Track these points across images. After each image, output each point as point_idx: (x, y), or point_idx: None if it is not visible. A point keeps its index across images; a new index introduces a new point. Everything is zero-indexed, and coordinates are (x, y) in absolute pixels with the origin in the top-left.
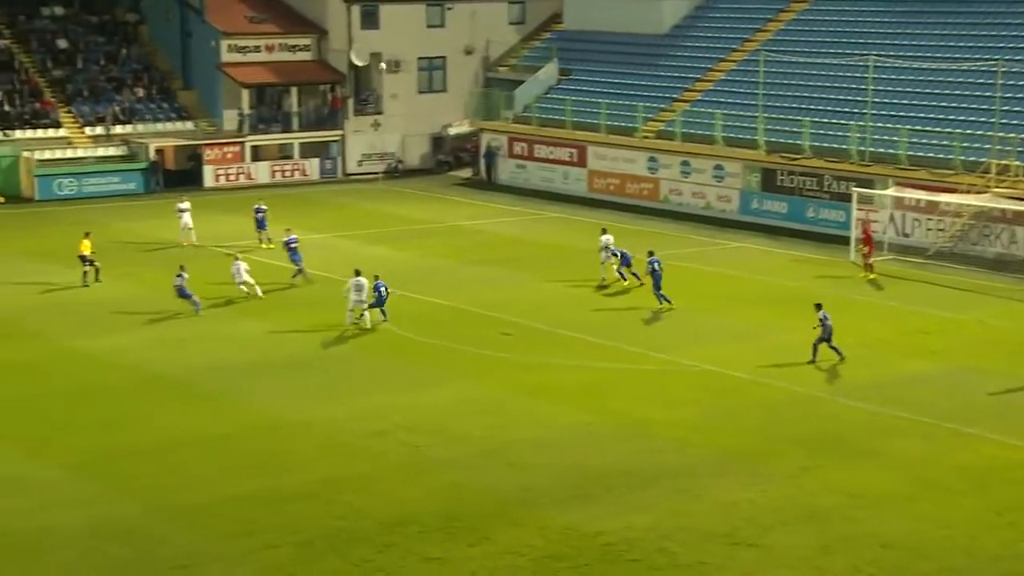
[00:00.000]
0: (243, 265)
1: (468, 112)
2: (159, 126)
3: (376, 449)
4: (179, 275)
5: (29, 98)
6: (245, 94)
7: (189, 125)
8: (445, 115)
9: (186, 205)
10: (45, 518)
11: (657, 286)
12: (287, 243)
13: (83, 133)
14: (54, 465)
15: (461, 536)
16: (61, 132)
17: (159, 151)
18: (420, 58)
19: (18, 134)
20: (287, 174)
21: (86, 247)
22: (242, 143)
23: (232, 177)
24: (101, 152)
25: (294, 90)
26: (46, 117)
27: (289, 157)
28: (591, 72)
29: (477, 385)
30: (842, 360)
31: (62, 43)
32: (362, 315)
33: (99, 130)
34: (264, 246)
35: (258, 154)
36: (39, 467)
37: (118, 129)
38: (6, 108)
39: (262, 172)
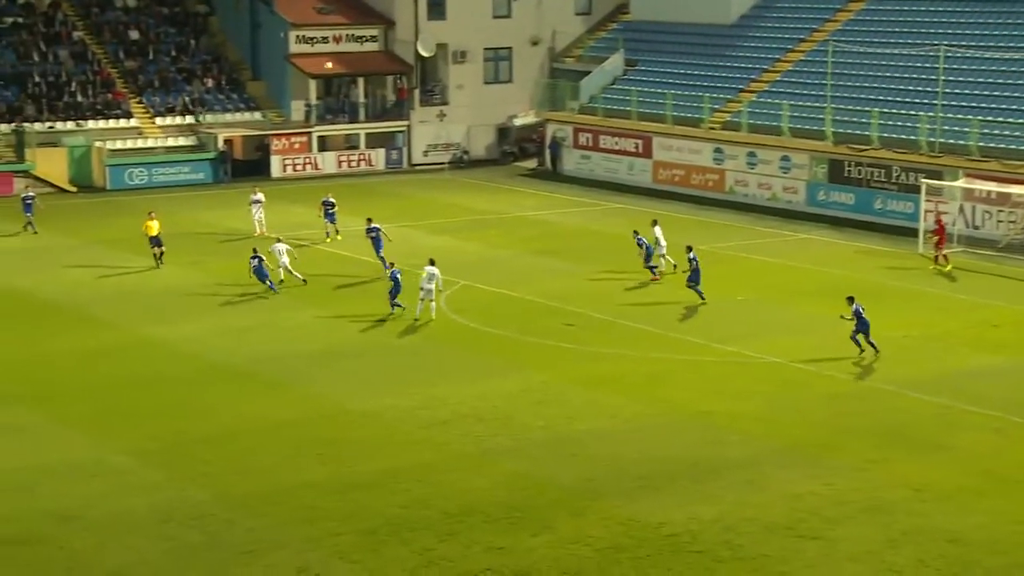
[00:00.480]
0: (283, 247)
1: (533, 103)
2: (228, 116)
3: (439, 439)
4: (254, 257)
5: (102, 89)
6: (312, 85)
7: (257, 115)
8: (511, 106)
9: (260, 196)
10: (116, 503)
11: (695, 280)
12: (369, 231)
13: (153, 123)
14: (124, 451)
15: (524, 526)
16: (132, 122)
17: (228, 141)
18: (486, 49)
19: (90, 124)
20: (353, 164)
21: (153, 228)
22: (309, 133)
23: (299, 167)
24: (171, 142)
25: (361, 81)
26: (118, 108)
27: (355, 147)
28: (657, 63)
29: (540, 376)
30: (877, 355)
31: (134, 34)
32: (425, 304)
33: (188, 119)
34: (330, 239)
35: (325, 144)
36: (110, 452)
37: (189, 119)
38: (79, 99)
39: (328, 162)
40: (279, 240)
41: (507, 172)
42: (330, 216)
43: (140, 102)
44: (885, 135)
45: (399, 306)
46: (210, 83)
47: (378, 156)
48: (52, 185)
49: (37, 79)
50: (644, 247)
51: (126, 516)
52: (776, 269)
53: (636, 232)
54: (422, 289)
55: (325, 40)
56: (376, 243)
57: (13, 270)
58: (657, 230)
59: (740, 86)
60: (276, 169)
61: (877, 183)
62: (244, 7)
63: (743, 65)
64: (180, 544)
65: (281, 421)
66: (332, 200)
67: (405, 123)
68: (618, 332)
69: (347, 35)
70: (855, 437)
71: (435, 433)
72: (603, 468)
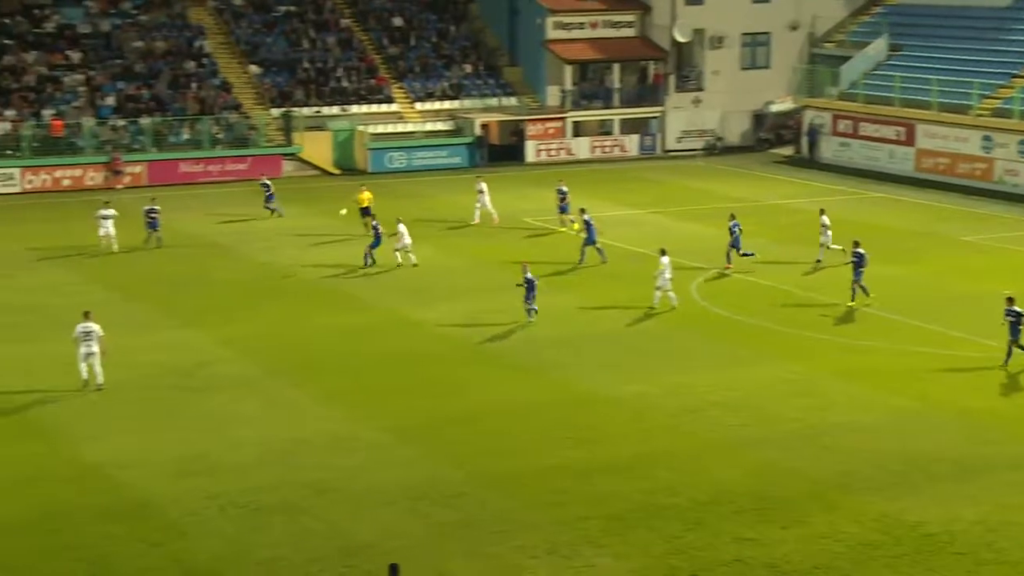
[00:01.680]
0: (405, 229)
1: (791, 89)
2: (485, 102)
3: (688, 427)
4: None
5: (365, 75)
6: (568, 70)
7: (513, 101)
8: (767, 92)
9: (483, 186)
10: (372, 477)
11: (857, 276)
12: (586, 222)
13: (413, 108)
14: (380, 427)
15: (774, 518)
16: (393, 107)
17: (484, 126)
18: (744, 34)
19: (354, 109)
20: (607, 150)
21: (366, 199)
22: (564, 119)
23: (553, 152)
24: (429, 127)
25: (616, 66)
26: (380, 93)
27: (609, 133)
28: (923, 47)
29: (793, 366)
30: None
31: (397, 21)
32: (665, 295)
33: (447, 104)
34: (564, 229)
35: (579, 130)
36: (367, 428)
37: (447, 104)
38: (344, 84)
39: (582, 148)
40: (400, 221)
41: (762, 159)
42: (562, 207)
43: (401, 87)
44: None
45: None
46: (468, 69)
47: (631, 142)
48: (317, 168)
49: (306, 65)
50: (734, 234)
51: (382, 491)
52: None
53: (732, 216)
54: (659, 278)
55: (581, 26)
56: (590, 231)
57: (279, 249)
58: (824, 219)
59: (1013, 71)
60: (530, 154)
61: None
62: None
63: (1017, 49)
64: (434, 521)
65: (531, 403)
66: (564, 189)
67: (659, 109)
68: (874, 323)
69: (603, 21)
70: None
71: (684, 421)
72: (858, 462)
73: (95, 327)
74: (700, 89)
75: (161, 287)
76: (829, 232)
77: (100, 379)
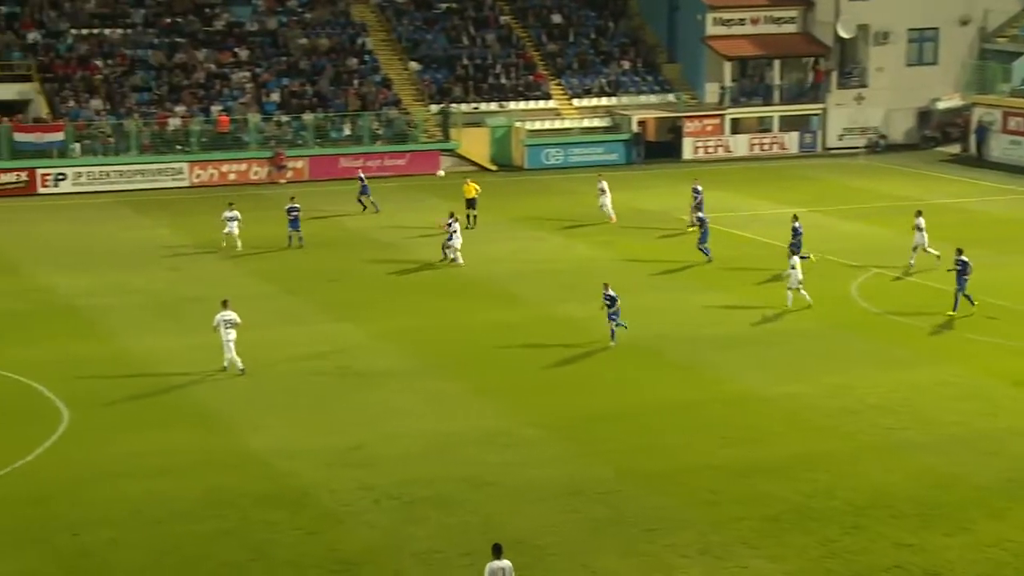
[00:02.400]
0: (458, 226)
1: (959, 85)
2: (642, 98)
3: (846, 428)
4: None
5: (524, 71)
6: (727, 67)
7: (671, 98)
8: (934, 89)
9: (604, 185)
10: (527, 473)
11: (960, 285)
12: (700, 221)
13: (571, 105)
14: (534, 423)
15: (937, 524)
16: (551, 104)
17: (641, 123)
18: (910, 29)
19: (512, 106)
20: (765, 147)
21: (470, 191)
22: (722, 116)
23: (711, 150)
24: (586, 123)
25: (776, 63)
26: (538, 89)
27: (768, 130)
28: None
29: (956, 369)
30: None
31: (556, 18)
32: (798, 293)
33: (604, 101)
34: (691, 229)
35: (737, 127)
36: (520, 424)
37: (604, 101)
38: (503, 81)
39: (740, 145)
40: (452, 216)
41: (927, 157)
42: (696, 207)
43: (559, 84)
44: None
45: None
46: (626, 65)
47: (791, 139)
48: (474, 164)
49: (465, 62)
50: (797, 235)
51: (536, 486)
52: None
53: (795, 217)
54: (790, 279)
55: (742, 22)
56: (703, 230)
57: (434, 245)
58: (920, 220)
59: None
60: (687, 151)
61: None
62: None
63: None
64: (587, 517)
65: (685, 402)
66: (700, 188)
67: (821, 106)
68: None
69: (765, 16)
70: None
71: (842, 422)
72: None
73: (234, 315)
74: (863, 86)
75: (319, 281)
76: (924, 235)
77: (240, 364)
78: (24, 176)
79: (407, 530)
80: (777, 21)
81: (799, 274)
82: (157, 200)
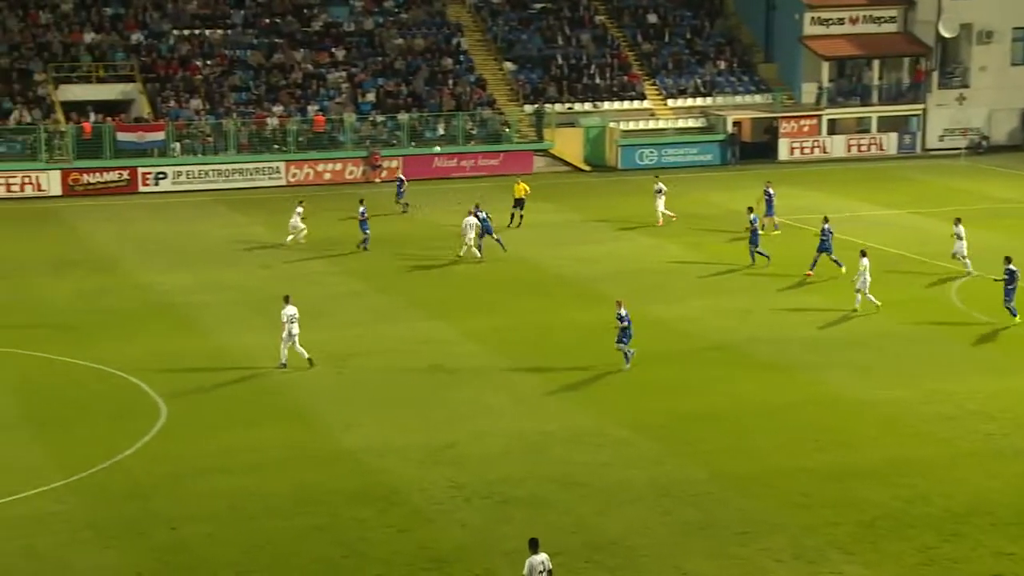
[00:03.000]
0: (472, 221)
1: None
2: (738, 99)
3: (944, 434)
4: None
5: (618, 71)
6: (825, 67)
7: (767, 98)
8: None
9: (662, 187)
10: (618, 473)
11: (1008, 296)
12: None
13: (665, 105)
14: (625, 424)
15: None
16: (645, 104)
17: (736, 124)
18: (1016, 28)
19: (606, 106)
20: (863, 148)
21: (519, 191)
22: (819, 116)
23: (807, 150)
24: (681, 124)
25: (875, 63)
26: (632, 90)
27: (866, 131)
28: None
29: None
30: None
31: (652, 18)
32: (866, 297)
33: (699, 101)
34: (770, 232)
35: (834, 127)
36: (611, 424)
37: (699, 101)
38: (597, 81)
39: (837, 146)
40: (474, 211)
41: None
42: (769, 208)
43: (653, 84)
44: None
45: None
46: (722, 65)
47: (890, 140)
48: (568, 164)
49: (560, 62)
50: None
51: (627, 487)
52: None
53: (826, 219)
54: (858, 280)
55: (841, 22)
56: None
57: (526, 245)
58: (959, 228)
59: None
60: (783, 152)
61: None
62: None
63: None
64: (677, 519)
65: (778, 404)
66: (772, 192)
67: (921, 106)
68: None
69: (864, 16)
70: None
71: (940, 428)
72: None
73: (295, 310)
74: (965, 86)
75: (410, 279)
76: (963, 243)
77: (304, 354)
78: (126, 175)
79: (498, 529)
80: (877, 20)
81: (867, 276)
82: (253, 199)
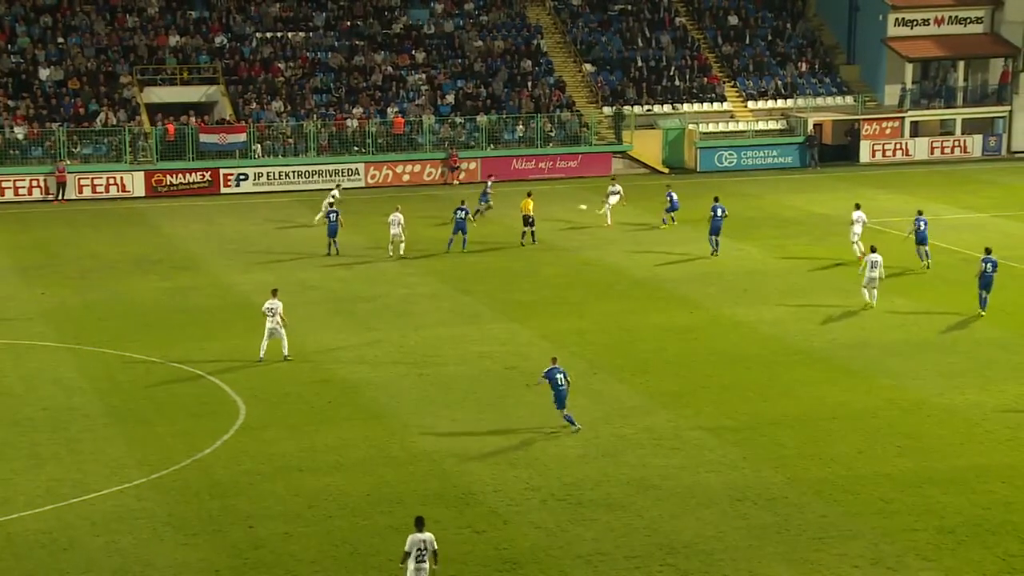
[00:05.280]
0: (399, 218)
1: None
2: (819, 101)
3: None
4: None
5: (698, 73)
6: (908, 68)
7: (848, 100)
8: None
9: (617, 188)
10: (693, 476)
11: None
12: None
13: (745, 107)
14: (702, 427)
15: None
16: (725, 106)
17: (816, 126)
18: None
19: (685, 108)
20: (946, 151)
21: (527, 207)
22: (902, 118)
23: (889, 153)
24: (761, 126)
25: (961, 64)
26: (712, 92)
27: (950, 133)
28: None
29: None
30: None
31: (733, 20)
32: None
33: (780, 103)
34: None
35: (917, 130)
36: (688, 427)
37: (780, 103)
38: (677, 83)
39: (920, 148)
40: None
41: None
42: (670, 208)
43: (733, 86)
44: None
45: None
46: (803, 67)
47: (974, 143)
48: (646, 166)
49: (639, 64)
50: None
51: (702, 490)
52: None
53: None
54: (864, 276)
55: (926, 23)
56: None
57: (606, 246)
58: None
59: None
60: (865, 154)
61: None
62: None
63: None
64: (753, 523)
65: (858, 409)
66: (674, 195)
67: (1007, 108)
68: None
69: (950, 17)
70: None
71: (1023, 434)
72: None
73: (278, 304)
74: None
75: (491, 281)
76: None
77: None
78: (208, 176)
79: (573, 531)
80: (963, 21)
81: (874, 272)
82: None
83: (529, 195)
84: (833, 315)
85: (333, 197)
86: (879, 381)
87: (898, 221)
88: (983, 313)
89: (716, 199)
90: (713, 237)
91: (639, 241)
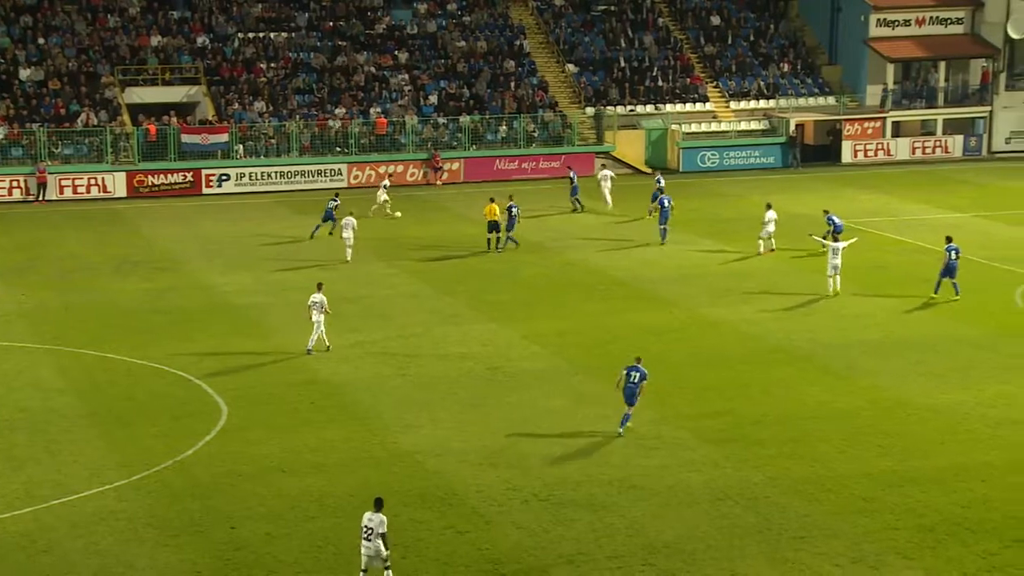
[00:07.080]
0: (353, 221)
1: None
2: (801, 101)
3: (1010, 438)
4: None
5: (680, 74)
6: (890, 69)
7: (830, 100)
8: None
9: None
10: (674, 476)
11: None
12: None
13: (727, 108)
14: (683, 427)
15: None
16: (707, 107)
17: (798, 126)
18: None
19: (668, 108)
20: (927, 151)
21: (491, 213)
22: (883, 119)
23: (871, 153)
24: (743, 126)
25: (942, 65)
26: (695, 92)
27: (931, 133)
28: None
29: None
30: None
31: (715, 20)
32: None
33: (762, 104)
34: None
35: (898, 130)
36: (670, 427)
37: (762, 104)
38: (659, 83)
39: (901, 148)
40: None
41: None
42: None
43: (716, 86)
44: None
45: None
46: (786, 67)
47: (955, 143)
48: (629, 166)
49: (622, 64)
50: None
51: (683, 490)
52: None
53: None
54: (828, 266)
55: (907, 23)
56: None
57: (589, 248)
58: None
59: None
60: (846, 154)
61: None
62: None
63: None
64: (734, 523)
65: (839, 409)
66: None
67: (987, 109)
68: None
69: (931, 17)
70: None
71: (1005, 432)
72: None
73: (324, 299)
74: None
75: (473, 282)
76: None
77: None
78: (190, 176)
79: (555, 531)
80: (943, 22)
81: (835, 259)
82: (315, 200)
83: (492, 200)
84: (814, 315)
85: (384, 188)
86: (860, 381)
87: (879, 221)
88: (936, 296)
89: (660, 184)
90: (662, 227)
91: (620, 241)
